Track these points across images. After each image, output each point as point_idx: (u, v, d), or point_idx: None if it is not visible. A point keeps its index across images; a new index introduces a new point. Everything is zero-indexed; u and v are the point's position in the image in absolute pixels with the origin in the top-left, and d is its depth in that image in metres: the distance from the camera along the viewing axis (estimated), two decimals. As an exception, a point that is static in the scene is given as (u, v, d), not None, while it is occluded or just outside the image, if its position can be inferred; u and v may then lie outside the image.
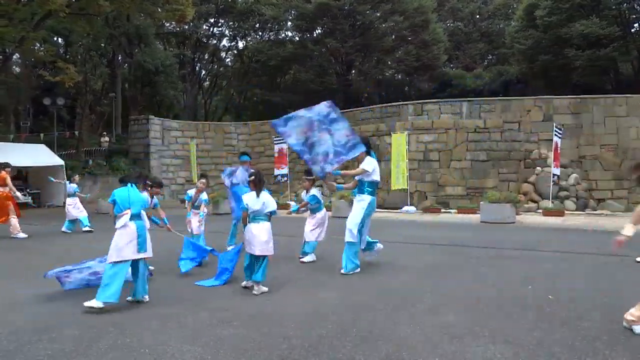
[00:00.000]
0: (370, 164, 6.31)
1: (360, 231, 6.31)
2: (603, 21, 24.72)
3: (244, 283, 5.51)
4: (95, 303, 4.56)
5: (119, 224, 4.84)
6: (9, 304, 4.96)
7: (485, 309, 4.60)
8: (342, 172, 6.73)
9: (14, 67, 32.29)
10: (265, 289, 5.31)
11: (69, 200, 11.81)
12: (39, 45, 25.98)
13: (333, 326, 4.10)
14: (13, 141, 21.58)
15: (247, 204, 5.34)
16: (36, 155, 19.41)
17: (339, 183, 7.10)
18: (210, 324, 4.22)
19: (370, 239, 6.72)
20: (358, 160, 6.57)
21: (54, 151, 20.87)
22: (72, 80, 21.80)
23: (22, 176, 20.20)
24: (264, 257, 5.32)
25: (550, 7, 25.89)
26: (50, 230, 12.02)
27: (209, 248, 6.58)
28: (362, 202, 6.33)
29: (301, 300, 4.97)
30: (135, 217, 4.91)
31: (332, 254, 7.52)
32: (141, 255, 4.87)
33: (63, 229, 11.57)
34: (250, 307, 4.71)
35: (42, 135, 23.15)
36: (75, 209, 11.70)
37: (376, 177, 6.37)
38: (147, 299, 5.01)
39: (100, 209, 16.02)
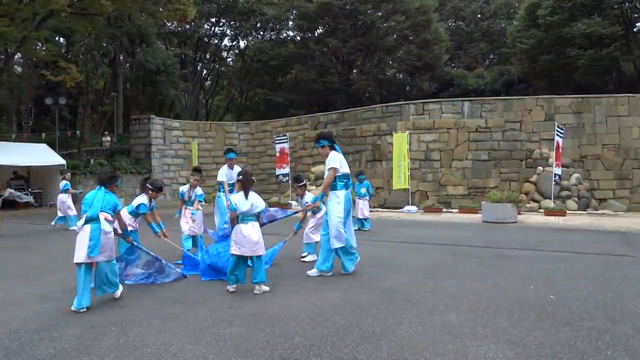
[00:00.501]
0: (334, 161, 6.06)
1: (344, 226, 6.06)
2: (605, 20, 24.69)
3: (230, 288, 5.30)
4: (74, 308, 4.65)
5: (77, 227, 4.88)
6: (10, 303, 4.97)
7: (487, 308, 4.59)
8: (322, 190, 6.28)
9: (15, 66, 32.35)
10: (266, 288, 5.29)
11: (61, 197, 12.15)
12: (40, 44, 26.03)
13: (335, 326, 4.10)
14: (15, 141, 21.63)
15: (235, 205, 5.25)
16: (38, 154, 19.46)
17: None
18: (212, 323, 4.22)
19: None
20: (323, 155, 6.25)
21: (55, 151, 20.91)
22: (73, 80, 21.85)
23: (23, 176, 20.24)
24: (259, 256, 5.25)
25: (552, 6, 25.87)
26: (51, 229, 12.05)
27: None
28: (336, 200, 6.06)
29: (303, 300, 4.96)
30: (92, 220, 4.76)
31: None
32: (91, 259, 4.72)
33: (53, 222, 11.99)
34: (252, 307, 4.71)
35: (43, 134, 23.17)
36: (64, 205, 12.06)
37: (344, 169, 6.14)
38: (117, 295, 5.03)
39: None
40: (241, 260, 5.27)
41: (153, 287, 5.62)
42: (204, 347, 3.65)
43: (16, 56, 27.41)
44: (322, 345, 3.66)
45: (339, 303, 4.81)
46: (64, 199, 12.10)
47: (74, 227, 11.56)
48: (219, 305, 4.78)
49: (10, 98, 30.79)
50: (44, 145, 20.82)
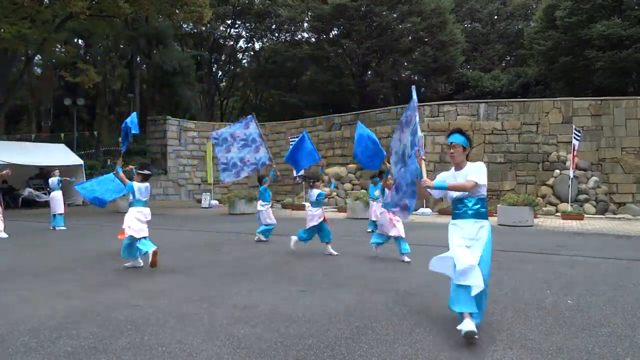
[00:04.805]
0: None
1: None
2: (625, 22, 24.27)
3: (127, 264, 6.70)
4: None
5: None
6: (29, 301, 5.05)
7: (503, 312, 4.54)
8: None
9: (35, 68, 32.92)
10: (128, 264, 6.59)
11: (55, 195, 12.31)
12: (60, 46, 26.45)
13: (349, 327, 4.09)
14: (34, 141, 22.05)
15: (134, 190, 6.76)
16: (56, 154, 19.77)
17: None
18: (227, 323, 4.24)
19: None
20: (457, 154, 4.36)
21: (73, 151, 21.22)
22: (91, 81, 22.19)
23: (42, 175, 20.61)
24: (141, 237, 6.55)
25: (571, 7, 25.51)
26: (68, 227, 12.22)
27: None
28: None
29: (318, 301, 4.96)
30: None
31: (348, 256, 7.51)
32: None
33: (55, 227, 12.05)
34: (267, 307, 4.72)
35: (62, 135, 23.54)
36: (60, 203, 12.25)
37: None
38: None
39: (118, 208, 16.27)
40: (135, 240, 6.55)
41: (168, 286, 5.67)
42: (218, 347, 3.67)
43: (36, 58, 27.88)
44: (336, 346, 3.65)
45: (353, 305, 4.80)
46: (60, 196, 12.28)
47: (62, 227, 11.90)
48: (234, 305, 4.80)
49: (30, 99, 31.37)
50: (62, 145, 21.17)
